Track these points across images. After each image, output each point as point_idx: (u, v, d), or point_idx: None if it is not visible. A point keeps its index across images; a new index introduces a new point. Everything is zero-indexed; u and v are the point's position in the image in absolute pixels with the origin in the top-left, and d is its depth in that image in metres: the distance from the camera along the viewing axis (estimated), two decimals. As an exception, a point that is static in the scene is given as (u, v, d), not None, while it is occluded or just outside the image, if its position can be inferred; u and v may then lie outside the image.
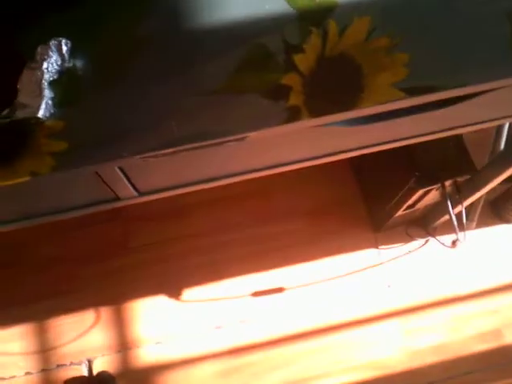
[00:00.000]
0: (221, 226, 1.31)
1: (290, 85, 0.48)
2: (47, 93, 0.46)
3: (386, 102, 0.47)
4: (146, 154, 0.45)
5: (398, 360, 1.21)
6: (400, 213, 1.11)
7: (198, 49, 0.48)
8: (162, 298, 1.23)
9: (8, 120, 0.44)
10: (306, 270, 1.27)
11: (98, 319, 1.22)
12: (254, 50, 0.48)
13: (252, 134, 0.47)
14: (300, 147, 0.59)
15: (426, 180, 0.96)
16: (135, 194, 0.56)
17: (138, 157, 0.45)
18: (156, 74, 0.47)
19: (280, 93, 0.48)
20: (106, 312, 1.22)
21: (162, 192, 0.57)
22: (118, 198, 0.56)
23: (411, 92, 0.48)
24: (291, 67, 0.48)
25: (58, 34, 0.47)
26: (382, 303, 1.25)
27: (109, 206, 0.56)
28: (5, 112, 0.44)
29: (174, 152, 0.46)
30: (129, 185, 0.54)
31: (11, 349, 1.20)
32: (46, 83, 0.46)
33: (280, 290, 1.26)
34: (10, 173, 0.45)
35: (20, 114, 0.44)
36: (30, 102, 0.45)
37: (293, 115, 0.47)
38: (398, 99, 0.48)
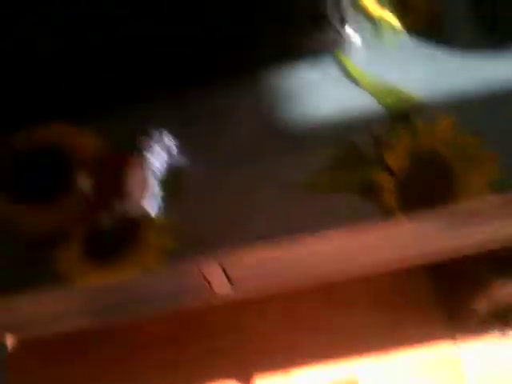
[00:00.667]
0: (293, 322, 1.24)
1: (382, 183, 0.49)
2: (156, 190, 0.48)
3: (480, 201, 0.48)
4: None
5: None
6: (479, 306, 1.05)
7: (290, 145, 0.51)
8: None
9: (120, 216, 0.47)
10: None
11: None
12: (344, 148, 0.51)
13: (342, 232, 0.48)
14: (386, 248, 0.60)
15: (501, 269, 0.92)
16: (231, 290, 0.58)
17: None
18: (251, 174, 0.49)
19: (371, 191, 0.49)
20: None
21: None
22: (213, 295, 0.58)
23: (505, 190, 0.49)
24: (382, 165, 0.49)
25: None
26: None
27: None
28: (118, 207, 0.47)
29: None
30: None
31: None
32: (155, 181, 0.48)
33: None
34: (119, 268, 0.47)
35: (132, 210, 0.47)
36: (140, 199, 0.47)
37: (385, 214, 0.48)
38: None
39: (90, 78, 0.53)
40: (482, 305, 1.04)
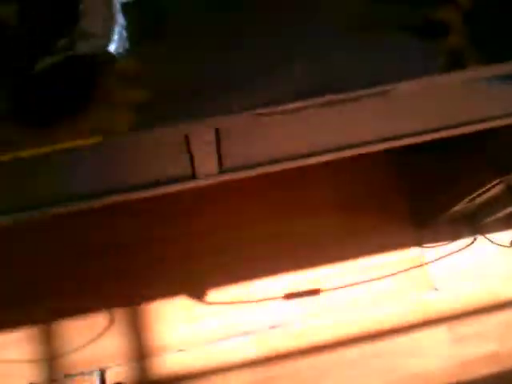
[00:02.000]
0: (245, 221, 1.17)
1: (448, 21, 0.34)
2: (120, 18, 0.32)
3: None
4: (262, 110, 0.31)
5: (445, 371, 1.08)
6: (459, 207, 0.98)
7: None
8: (183, 300, 1.09)
9: (68, 54, 0.30)
10: (343, 269, 1.14)
11: (111, 323, 1.08)
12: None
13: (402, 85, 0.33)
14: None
15: (504, 170, 0.84)
16: (216, 171, 0.42)
17: (253, 113, 0.31)
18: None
19: (435, 31, 0.34)
20: (121, 315, 1.08)
21: (244, 170, 0.43)
22: (193, 177, 0.42)
23: None
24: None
25: None
26: (428, 308, 1.12)
27: (178, 187, 0.42)
28: (62, 42, 0.30)
29: (297, 109, 0.32)
30: (215, 157, 0.39)
31: (13, 355, 1.05)
32: (118, 4, 0.32)
33: (315, 291, 1.13)
34: (75, 132, 0.30)
35: (83, 47, 0.30)
36: (96, 30, 0.31)
37: (453, 60, 0.33)
38: None
39: None
40: (457, 205, 0.99)
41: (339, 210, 1.19)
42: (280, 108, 0.32)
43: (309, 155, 0.45)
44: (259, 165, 0.44)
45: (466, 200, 0.99)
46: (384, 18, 0.35)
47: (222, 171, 0.43)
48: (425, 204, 1.14)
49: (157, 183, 0.42)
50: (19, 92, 0.31)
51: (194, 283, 1.12)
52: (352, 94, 0.33)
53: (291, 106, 0.32)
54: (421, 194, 1.16)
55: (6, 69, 0.30)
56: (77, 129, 0.31)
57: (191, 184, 0.43)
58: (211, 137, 0.37)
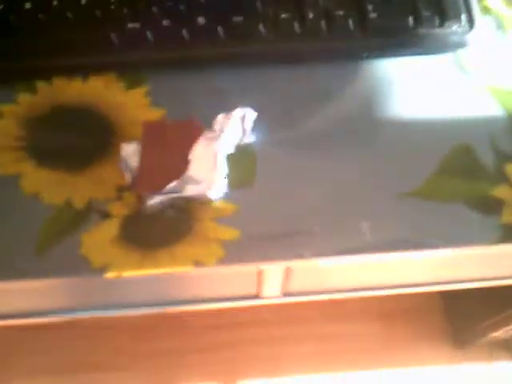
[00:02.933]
0: (287, 318, 1.21)
1: (502, 198, 0.39)
2: (223, 168, 0.38)
3: None
4: (329, 258, 0.37)
5: None
6: (501, 332, 1.00)
7: (397, 147, 0.42)
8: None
9: (175, 196, 0.37)
10: (377, 379, 1.15)
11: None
12: (459, 152, 0.40)
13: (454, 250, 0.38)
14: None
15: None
16: (280, 294, 0.47)
17: (321, 259, 0.37)
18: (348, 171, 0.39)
19: (490, 206, 0.39)
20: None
21: (306, 295, 0.49)
22: (257, 297, 0.47)
23: None
24: (503, 178, 0.40)
25: (242, 102, 0.40)
26: None
27: (241, 303, 0.48)
28: (172, 185, 0.36)
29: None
30: (281, 285, 0.45)
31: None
32: (222, 157, 0.38)
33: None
34: (170, 259, 0.36)
35: (189, 191, 0.37)
36: (202, 177, 0.37)
37: (508, 234, 0.38)
38: None
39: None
40: (499, 331, 0.99)
41: (378, 320, 1.22)
42: (347, 260, 0.38)
43: (368, 289, 0.50)
44: (322, 292, 0.49)
45: (510, 328, 1.00)
46: (445, 188, 0.40)
47: (286, 295, 0.48)
48: (466, 324, 1.15)
49: (222, 299, 0.47)
50: (130, 221, 0.38)
51: (227, 373, 1.14)
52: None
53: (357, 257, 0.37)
54: (463, 314, 1.17)
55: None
56: (174, 256, 0.37)
57: (256, 302, 0.49)
58: (281, 272, 0.43)
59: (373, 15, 0.45)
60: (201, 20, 0.44)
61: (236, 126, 0.40)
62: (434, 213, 0.39)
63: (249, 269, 0.41)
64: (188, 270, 0.37)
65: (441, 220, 0.39)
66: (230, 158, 0.40)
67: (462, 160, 0.41)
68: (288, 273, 0.45)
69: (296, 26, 0.44)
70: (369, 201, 0.40)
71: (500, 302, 0.99)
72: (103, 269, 0.37)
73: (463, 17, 0.45)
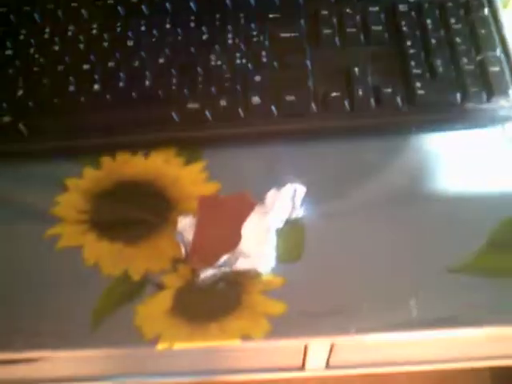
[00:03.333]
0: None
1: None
2: (272, 242, 0.40)
3: None
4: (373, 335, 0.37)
5: None
6: None
7: (446, 221, 0.42)
8: None
9: (226, 269, 0.38)
10: None
11: None
12: (508, 226, 0.41)
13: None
14: None
15: None
16: (324, 366, 0.48)
17: (366, 336, 0.37)
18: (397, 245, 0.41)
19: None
20: None
21: (349, 368, 0.49)
22: (302, 369, 0.48)
23: None
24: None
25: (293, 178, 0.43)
26: None
27: (284, 375, 0.48)
28: (224, 258, 0.38)
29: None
30: (326, 358, 0.46)
31: None
32: (272, 232, 0.40)
33: None
34: (219, 332, 0.38)
35: (240, 264, 0.38)
36: (252, 252, 0.39)
37: None
38: None
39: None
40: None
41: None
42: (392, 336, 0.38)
43: (417, 363, 0.50)
44: (365, 366, 0.49)
45: None
46: (494, 263, 0.40)
47: (330, 367, 0.49)
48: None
49: (267, 370, 0.48)
50: (183, 294, 0.40)
51: None
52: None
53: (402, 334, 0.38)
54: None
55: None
56: (223, 330, 0.38)
57: (297, 374, 0.49)
58: (327, 346, 0.43)
59: (421, 92, 0.46)
60: (255, 99, 0.46)
61: (286, 201, 0.42)
62: (483, 289, 0.39)
63: (295, 343, 0.41)
64: (236, 343, 0.38)
65: (490, 295, 0.39)
66: (279, 232, 0.41)
67: (510, 234, 0.41)
68: (333, 347, 0.45)
69: (346, 103, 0.46)
70: (418, 276, 0.40)
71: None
72: (155, 340, 0.38)
73: (510, 91, 0.46)
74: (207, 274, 0.39)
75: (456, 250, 0.41)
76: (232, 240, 0.39)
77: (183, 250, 0.40)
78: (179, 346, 0.38)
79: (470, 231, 0.42)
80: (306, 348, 0.45)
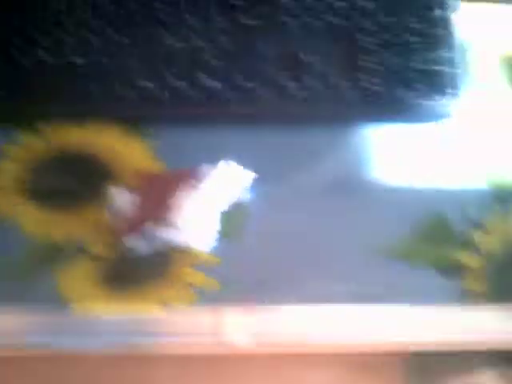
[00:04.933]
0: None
1: (469, 265, 0.42)
2: (211, 221, 0.42)
3: None
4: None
5: None
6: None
7: (378, 207, 0.45)
8: None
9: (156, 240, 0.41)
10: None
11: None
12: (434, 219, 0.44)
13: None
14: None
15: None
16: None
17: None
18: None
19: (455, 271, 0.42)
20: None
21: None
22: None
23: None
24: (471, 246, 0.43)
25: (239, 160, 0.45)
26: None
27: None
28: (154, 228, 0.40)
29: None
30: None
31: None
32: (212, 211, 0.42)
33: None
34: (140, 301, 0.41)
35: (172, 236, 0.42)
36: (186, 225, 0.42)
37: (467, 298, 0.42)
38: None
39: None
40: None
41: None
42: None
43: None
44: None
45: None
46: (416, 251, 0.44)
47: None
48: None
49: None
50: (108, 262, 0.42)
51: None
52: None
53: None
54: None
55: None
56: (144, 297, 0.41)
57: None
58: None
59: (367, 84, 0.48)
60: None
61: (228, 182, 0.44)
62: (402, 274, 0.42)
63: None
64: (156, 311, 0.40)
65: (409, 280, 0.42)
66: (221, 214, 0.43)
67: (434, 226, 0.44)
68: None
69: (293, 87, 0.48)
70: (349, 257, 0.43)
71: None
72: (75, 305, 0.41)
73: (449, 89, 0.48)
74: (135, 243, 0.41)
75: (384, 237, 0.44)
76: (165, 213, 0.41)
77: (113, 221, 0.42)
78: (97, 312, 0.40)
79: (399, 220, 0.44)
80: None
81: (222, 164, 0.44)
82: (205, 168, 0.43)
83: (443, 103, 0.48)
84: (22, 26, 0.49)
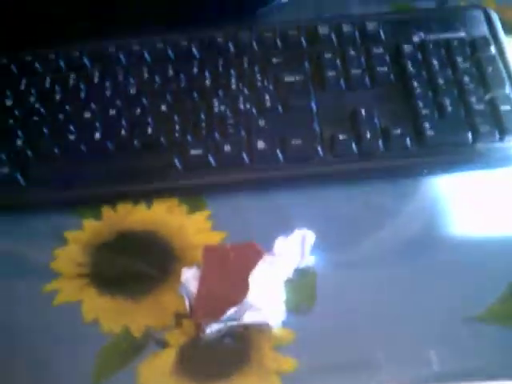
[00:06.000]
0: None
1: None
2: (281, 294, 0.38)
3: None
4: None
5: None
6: None
7: (461, 269, 0.41)
8: None
9: (233, 323, 0.36)
10: None
11: None
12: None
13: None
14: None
15: None
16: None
17: None
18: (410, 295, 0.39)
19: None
20: None
21: None
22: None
23: None
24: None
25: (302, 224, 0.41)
26: None
27: None
28: (231, 311, 0.36)
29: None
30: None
31: None
32: (281, 282, 0.38)
33: None
34: None
35: (248, 318, 0.36)
36: (261, 304, 0.37)
37: None
38: None
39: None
40: None
41: None
42: None
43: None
44: None
45: None
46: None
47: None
48: None
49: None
50: (188, 351, 0.38)
51: None
52: None
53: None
54: None
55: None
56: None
57: None
58: None
59: (430, 132, 0.45)
60: (260, 144, 0.45)
61: (295, 249, 0.40)
62: (502, 339, 0.37)
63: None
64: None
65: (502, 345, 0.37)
66: (289, 283, 0.39)
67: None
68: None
69: (354, 146, 0.45)
70: (436, 325, 0.38)
71: None
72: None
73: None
74: (213, 328, 0.37)
75: (474, 299, 0.39)
76: (239, 292, 0.37)
77: (187, 304, 0.38)
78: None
79: (488, 279, 0.40)
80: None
81: (288, 232, 0.39)
82: (273, 237, 0.39)
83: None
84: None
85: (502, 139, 0.44)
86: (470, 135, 0.44)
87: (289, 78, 0.49)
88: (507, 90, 0.47)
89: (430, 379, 0.36)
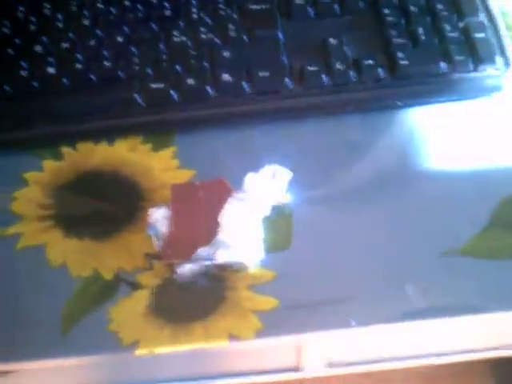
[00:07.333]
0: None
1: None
2: (257, 231, 0.36)
3: None
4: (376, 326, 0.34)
5: None
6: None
7: (438, 201, 0.39)
8: None
9: (207, 263, 0.35)
10: None
11: None
12: (507, 207, 0.38)
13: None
14: None
15: None
16: (321, 365, 0.44)
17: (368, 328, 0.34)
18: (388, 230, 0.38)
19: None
20: None
21: (348, 366, 0.46)
22: (298, 369, 0.44)
23: None
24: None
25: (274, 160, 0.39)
26: None
27: (283, 377, 0.45)
28: (203, 250, 0.34)
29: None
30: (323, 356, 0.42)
31: None
32: (256, 219, 0.36)
33: None
34: (204, 332, 0.34)
35: (221, 256, 0.35)
36: (234, 242, 0.35)
37: None
38: None
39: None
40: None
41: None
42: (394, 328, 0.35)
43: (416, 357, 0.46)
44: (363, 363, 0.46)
45: None
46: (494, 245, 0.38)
47: (327, 366, 0.45)
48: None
49: (259, 372, 0.45)
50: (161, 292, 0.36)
51: None
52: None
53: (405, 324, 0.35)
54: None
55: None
56: (208, 330, 0.35)
57: (293, 376, 0.46)
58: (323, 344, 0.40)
59: (403, 62, 0.43)
60: (225, 76, 0.42)
61: (268, 186, 0.38)
62: (483, 272, 0.36)
63: (288, 340, 0.38)
64: (223, 344, 0.34)
65: (492, 280, 0.36)
66: (266, 221, 0.38)
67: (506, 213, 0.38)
68: (329, 343, 0.42)
69: (324, 77, 0.43)
70: (415, 261, 0.37)
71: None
72: (134, 345, 0.35)
73: (498, 59, 0.43)
74: (185, 268, 0.35)
75: (453, 232, 0.38)
76: (210, 230, 0.36)
77: (157, 244, 0.36)
78: (160, 350, 0.34)
79: (468, 212, 0.39)
80: (300, 346, 0.42)
81: (265, 168, 0.37)
82: (243, 173, 0.37)
83: (492, 74, 0.42)
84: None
85: (476, 69, 0.43)
86: (443, 65, 0.43)
87: (254, 6, 0.46)
88: (481, 17, 0.45)
89: (409, 314, 0.35)
